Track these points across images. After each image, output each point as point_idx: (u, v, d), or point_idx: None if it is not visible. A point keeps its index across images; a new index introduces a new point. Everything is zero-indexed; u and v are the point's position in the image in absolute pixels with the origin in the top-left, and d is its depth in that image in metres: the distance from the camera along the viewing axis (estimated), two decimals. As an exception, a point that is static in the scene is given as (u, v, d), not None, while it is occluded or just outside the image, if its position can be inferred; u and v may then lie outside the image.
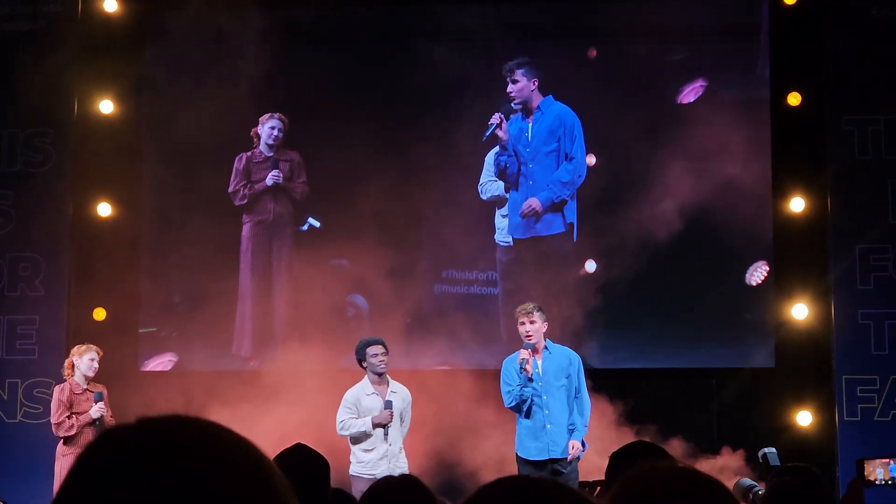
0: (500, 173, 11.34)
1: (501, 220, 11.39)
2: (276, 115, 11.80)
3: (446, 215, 11.26)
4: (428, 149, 11.43)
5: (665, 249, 10.45)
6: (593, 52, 11.37)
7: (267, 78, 11.26)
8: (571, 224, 11.14)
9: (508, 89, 11.30)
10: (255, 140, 11.79)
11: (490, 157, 11.38)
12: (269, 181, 11.76)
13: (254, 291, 11.68)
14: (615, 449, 4.05)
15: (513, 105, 11.32)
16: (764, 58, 10.90)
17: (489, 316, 11.15)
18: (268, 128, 11.82)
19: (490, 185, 11.42)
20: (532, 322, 8.76)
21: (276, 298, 11.68)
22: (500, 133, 11.23)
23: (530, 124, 11.31)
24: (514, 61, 11.34)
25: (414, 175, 11.36)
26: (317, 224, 11.68)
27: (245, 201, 11.77)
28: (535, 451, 8.68)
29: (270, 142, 11.81)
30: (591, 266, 11.01)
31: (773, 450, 8.44)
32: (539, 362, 8.77)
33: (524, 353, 8.70)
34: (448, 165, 11.47)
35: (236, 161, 11.74)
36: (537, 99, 11.30)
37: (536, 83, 11.29)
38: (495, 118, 11.14)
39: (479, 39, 11.52)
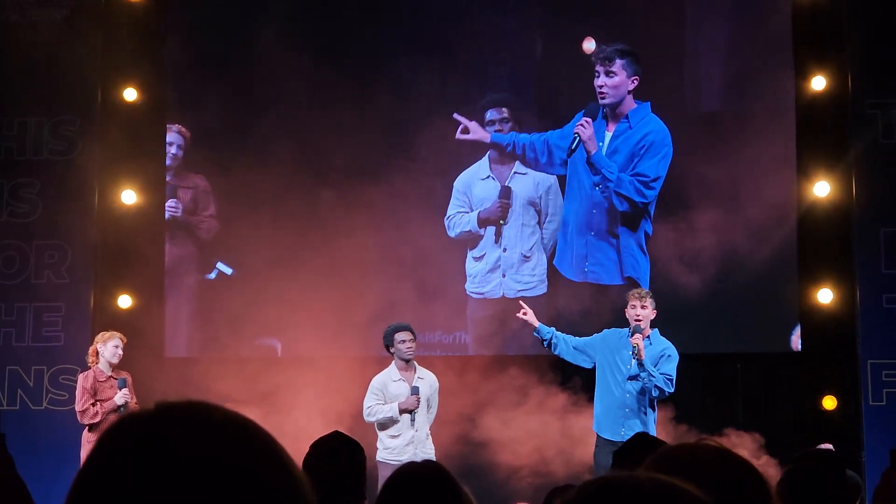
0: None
1: (474, 265, 9.52)
2: (175, 126, 9.77)
3: (399, 257, 9.43)
4: (374, 167, 9.45)
5: (690, 238, 10.03)
6: (590, 45, 9.60)
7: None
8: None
9: (598, 82, 9.20)
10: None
11: (459, 183, 9.38)
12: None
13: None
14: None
15: (601, 104, 9.24)
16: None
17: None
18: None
19: (459, 217, 9.43)
20: (644, 307, 8.63)
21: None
22: (583, 134, 8.95)
23: (609, 135, 9.23)
24: (614, 46, 9.17)
25: (354, 204, 9.30)
26: (228, 271, 9.59)
27: None
28: (617, 435, 8.49)
29: (167, 163, 9.63)
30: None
31: (830, 446, 8.25)
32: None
33: (637, 339, 8.47)
34: (402, 190, 9.38)
35: None
36: (630, 105, 9.27)
37: (636, 82, 9.20)
38: (582, 129, 8.84)
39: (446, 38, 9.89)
